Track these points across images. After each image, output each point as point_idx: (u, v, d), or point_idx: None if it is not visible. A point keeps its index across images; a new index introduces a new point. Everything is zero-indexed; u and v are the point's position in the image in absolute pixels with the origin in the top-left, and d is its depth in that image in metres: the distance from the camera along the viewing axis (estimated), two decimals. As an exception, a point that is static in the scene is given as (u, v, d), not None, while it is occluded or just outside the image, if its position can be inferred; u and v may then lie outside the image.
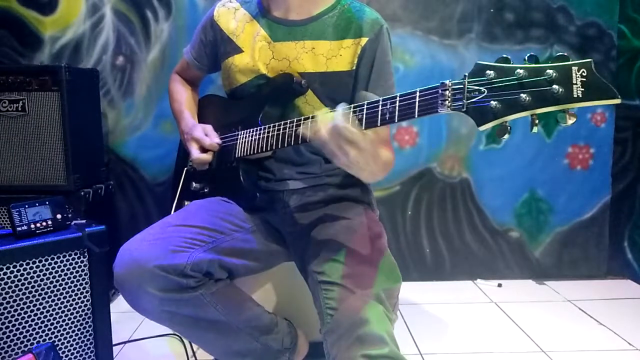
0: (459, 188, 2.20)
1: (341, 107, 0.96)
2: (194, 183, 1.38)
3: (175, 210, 1.40)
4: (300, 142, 1.08)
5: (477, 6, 2.10)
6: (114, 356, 1.39)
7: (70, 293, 1.19)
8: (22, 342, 1.13)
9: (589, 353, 1.61)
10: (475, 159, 2.18)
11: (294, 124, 1.09)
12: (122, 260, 1.06)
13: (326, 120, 0.93)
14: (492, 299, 2.04)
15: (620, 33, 2.14)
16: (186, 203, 1.38)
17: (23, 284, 1.13)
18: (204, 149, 1.29)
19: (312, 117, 1.04)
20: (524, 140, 2.13)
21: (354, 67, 1.23)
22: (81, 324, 1.21)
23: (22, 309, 1.13)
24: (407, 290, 2.05)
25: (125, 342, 1.66)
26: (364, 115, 0.95)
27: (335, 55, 1.23)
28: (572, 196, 2.21)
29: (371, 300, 1.00)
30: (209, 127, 1.31)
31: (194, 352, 1.50)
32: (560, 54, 0.74)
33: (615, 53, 2.16)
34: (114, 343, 1.29)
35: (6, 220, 1.73)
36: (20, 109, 1.73)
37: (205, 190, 1.36)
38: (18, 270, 1.12)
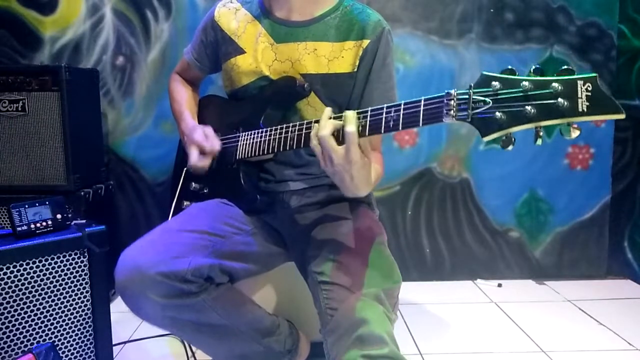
0: (459, 188, 2.20)
1: (350, 112, 0.96)
2: (193, 183, 1.38)
3: (174, 210, 1.40)
4: (302, 145, 1.08)
5: (477, 6, 2.10)
6: (114, 356, 1.39)
7: (70, 293, 1.19)
8: (22, 342, 1.14)
9: (589, 353, 1.61)
10: (475, 159, 2.18)
11: (297, 127, 1.09)
12: (123, 266, 1.06)
13: (319, 127, 0.95)
14: (492, 299, 2.04)
15: (620, 33, 2.14)
16: (186, 203, 1.38)
17: (23, 284, 1.13)
18: (203, 153, 1.27)
19: (315, 122, 1.03)
20: (524, 141, 2.12)
21: (356, 69, 1.23)
22: (81, 324, 1.21)
23: (22, 309, 1.13)
24: (407, 290, 2.05)
25: (125, 342, 1.66)
26: (368, 122, 0.94)
27: (337, 57, 1.23)
28: (572, 196, 2.21)
29: (371, 301, 0.99)
30: (209, 130, 1.28)
31: (193, 353, 1.50)
32: (566, 67, 0.74)
33: (615, 53, 2.15)
34: (114, 343, 1.29)
35: (6, 220, 1.73)
36: (20, 109, 1.73)
37: (205, 191, 1.36)
38: (18, 270, 1.12)
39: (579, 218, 2.23)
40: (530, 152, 2.17)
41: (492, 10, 2.11)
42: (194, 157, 1.25)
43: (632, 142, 2.14)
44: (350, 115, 0.92)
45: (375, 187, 1.22)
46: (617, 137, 2.19)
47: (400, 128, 0.90)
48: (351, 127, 0.91)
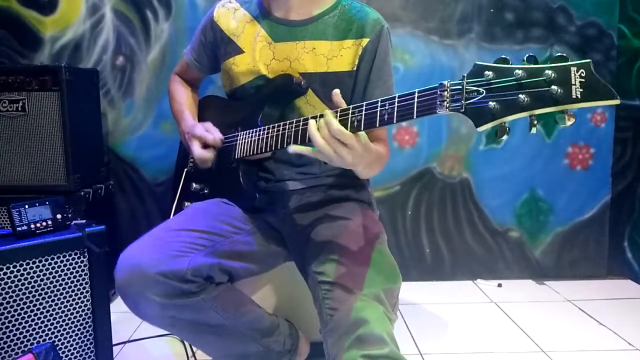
0: (459, 188, 2.20)
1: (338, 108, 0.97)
2: (194, 184, 1.38)
3: (175, 211, 1.40)
4: (299, 143, 1.08)
5: (477, 6, 2.10)
6: (114, 356, 1.39)
7: (70, 293, 1.19)
8: (22, 342, 1.14)
9: (589, 353, 1.61)
10: (475, 159, 2.18)
11: (293, 125, 1.09)
12: (123, 266, 1.06)
13: (321, 127, 0.94)
14: (492, 299, 2.04)
15: (620, 33, 2.14)
16: (186, 204, 1.38)
17: (23, 284, 1.13)
18: (206, 146, 1.27)
19: (312, 117, 1.03)
20: (524, 140, 2.13)
21: (355, 68, 1.23)
22: (81, 324, 1.21)
23: (22, 309, 1.13)
24: (407, 290, 2.05)
25: (125, 342, 1.66)
26: (363, 117, 0.94)
27: (336, 56, 1.23)
28: (572, 196, 2.21)
29: (371, 301, 1.00)
30: (209, 124, 1.30)
31: (193, 353, 1.50)
32: (559, 54, 0.73)
33: (615, 53, 2.15)
34: (114, 343, 1.29)
35: (6, 220, 1.73)
36: (20, 109, 1.73)
37: (205, 191, 1.36)
38: (18, 270, 1.12)
39: (579, 218, 2.23)
40: (530, 152, 2.17)
41: (492, 10, 2.11)
42: (197, 150, 1.26)
43: (632, 142, 2.14)
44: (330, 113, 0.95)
45: (375, 187, 1.22)
46: (617, 137, 2.19)
47: (395, 121, 0.90)
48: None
